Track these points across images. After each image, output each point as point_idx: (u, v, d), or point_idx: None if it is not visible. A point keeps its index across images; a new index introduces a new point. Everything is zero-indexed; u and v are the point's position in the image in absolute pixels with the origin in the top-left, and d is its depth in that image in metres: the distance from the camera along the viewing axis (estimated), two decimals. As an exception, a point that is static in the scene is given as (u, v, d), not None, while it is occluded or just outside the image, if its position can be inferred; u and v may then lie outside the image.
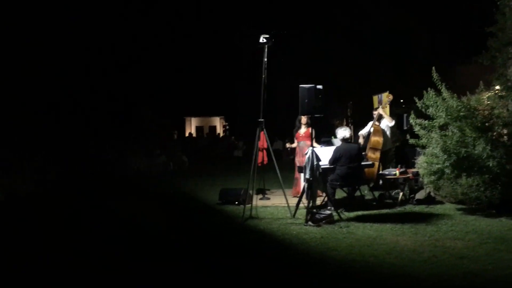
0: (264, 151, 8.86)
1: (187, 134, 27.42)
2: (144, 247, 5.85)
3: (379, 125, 9.06)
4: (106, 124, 17.52)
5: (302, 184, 8.59)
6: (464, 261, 4.87)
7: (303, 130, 9.13)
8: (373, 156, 8.69)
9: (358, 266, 4.86)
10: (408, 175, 8.12)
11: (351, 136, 7.66)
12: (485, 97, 7.39)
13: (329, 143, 10.39)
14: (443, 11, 16.09)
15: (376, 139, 8.78)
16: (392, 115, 11.11)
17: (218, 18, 22.00)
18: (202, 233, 6.54)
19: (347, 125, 21.20)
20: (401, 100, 14.07)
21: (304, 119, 9.03)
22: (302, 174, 8.16)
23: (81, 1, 15.76)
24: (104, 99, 17.53)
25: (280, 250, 5.63)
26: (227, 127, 28.25)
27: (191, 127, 31.77)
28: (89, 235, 6.47)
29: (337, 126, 9.30)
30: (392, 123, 9.20)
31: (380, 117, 9.12)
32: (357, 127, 12.38)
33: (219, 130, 31.51)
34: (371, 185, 8.59)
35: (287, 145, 9.98)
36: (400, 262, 4.90)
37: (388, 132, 9.15)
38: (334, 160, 7.52)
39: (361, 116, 13.31)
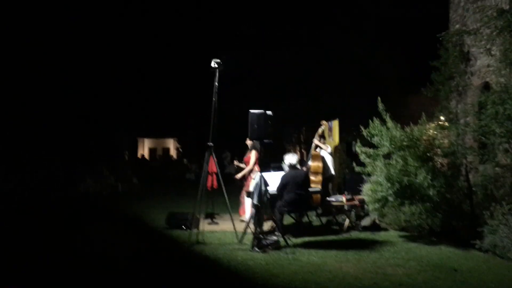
0: (214, 175, 8.79)
1: (139, 156, 26.91)
2: (80, 272, 5.61)
3: (318, 152, 9.54)
4: (54, 143, 17.04)
5: (248, 208, 8.67)
6: (402, 288, 4.96)
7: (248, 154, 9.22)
8: (315, 179, 8.98)
9: (300, 293, 4.85)
10: (355, 202, 8.27)
11: (297, 163, 7.74)
12: (428, 127, 7.69)
13: (279, 168, 10.48)
14: (395, 40, 16.69)
15: (316, 164, 9.22)
16: (342, 141, 11.41)
17: (175, 36, 21.95)
18: (144, 260, 6.30)
19: (299, 150, 21.53)
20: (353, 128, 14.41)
21: (248, 142, 9.16)
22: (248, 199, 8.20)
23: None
24: (52, 117, 17.09)
25: (224, 277, 5.54)
26: (180, 150, 27.98)
27: (144, 148, 31.26)
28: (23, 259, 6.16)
29: (289, 151, 9.49)
30: (328, 149, 9.73)
31: (317, 146, 9.61)
32: (309, 152, 12.59)
33: (172, 152, 31.17)
34: (319, 211, 8.70)
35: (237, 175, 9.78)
36: (342, 290, 4.93)
37: (329, 160, 9.52)
38: (282, 187, 7.55)
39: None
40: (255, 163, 8.83)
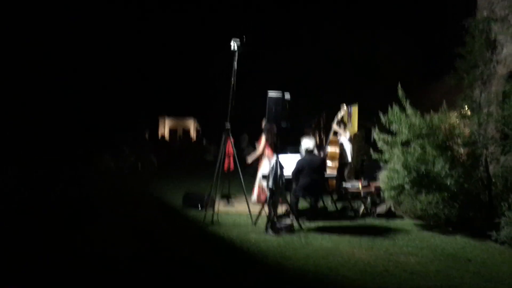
0: (231, 157, 8.83)
1: (159, 137, 27.14)
2: (97, 251, 5.74)
3: (336, 137, 9.57)
4: (76, 122, 17.32)
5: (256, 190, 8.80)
6: (414, 276, 4.94)
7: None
8: (331, 165, 9.03)
9: (310, 276, 4.89)
10: (371, 189, 8.23)
11: (314, 148, 7.73)
12: (449, 116, 7.55)
13: (297, 152, 10.47)
14: (419, 27, 16.36)
15: (333, 150, 9.30)
16: (361, 128, 11.33)
17: (195, 18, 21.93)
18: (158, 239, 6.40)
19: (319, 135, 21.41)
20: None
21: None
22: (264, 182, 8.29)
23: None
24: (75, 96, 17.34)
25: (235, 258, 5.61)
26: (200, 130, 28.11)
27: (165, 128, 31.47)
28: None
29: (307, 134, 9.47)
30: (347, 135, 9.70)
31: (335, 132, 9.64)
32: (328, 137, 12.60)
33: (192, 133, 31.34)
34: (336, 197, 8.71)
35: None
36: (352, 275, 4.94)
37: (347, 146, 9.47)
38: (297, 172, 7.55)
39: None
40: (264, 147, 8.91)
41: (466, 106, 8.80)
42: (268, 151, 9.13)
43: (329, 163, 9.12)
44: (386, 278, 4.86)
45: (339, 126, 9.62)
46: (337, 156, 9.19)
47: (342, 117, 9.80)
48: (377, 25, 16.57)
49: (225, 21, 20.35)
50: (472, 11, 9.70)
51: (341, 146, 9.39)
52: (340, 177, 9.14)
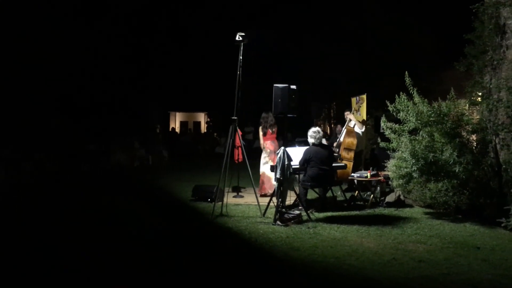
0: (240, 148, 8.86)
1: (170, 129, 27.28)
2: (109, 243, 5.83)
3: (352, 127, 9.29)
4: (86, 116, 17.50)
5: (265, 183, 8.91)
6: (422, 264, 4.93)
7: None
8: (347, 156, 8.88)
9: (317, 267, 4.90)
10: (379, 178, 8.20)
11: (320, 139, 7.69)
12: (458, 103, 7.47)
13: (306, 143, 10.45)
14: (429, 13, 16.17)
15: (350, 140, 9.01)
16: (370, 117, 11.24)
17: (206, 14, 21.93)
18: (167, 231, 6.47)
19: (329, 125, 21.35)
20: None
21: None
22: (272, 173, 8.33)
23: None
24: (86, 90, 17.51)
25: (244, 249, 5.65)
26: (211, 123, 28.15)
27: (176, 122, 31.62)
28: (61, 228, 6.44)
29: (316, 125, 9.44)
30: (362, 129, 9.48)
31: (350, 120, 9.45)
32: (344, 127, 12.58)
33: (203, 126, 31.42)
34: (345, 187, 8.66)
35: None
36: (360, 264, 4.95)
37: (359, 135, 9.36)
38: (304, 162, 7.55)
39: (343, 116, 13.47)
40: (263, 139, 9.04)
41: (479, 92, 8.71)
42: (265, 141, 9.21)
43: (344, 153, 8.96)
44: (394, 267, 4.86)
45: (354, 114, 9.53)
46: (354, 146, 8.96)
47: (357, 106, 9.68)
48: (387, 13, 16.42)
49: (234, 15, 20.37)
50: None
51: (358, 136, 9.28)
52: (355, 166, 9.02)
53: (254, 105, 14.89)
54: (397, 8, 16.68)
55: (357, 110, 9.57)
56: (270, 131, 9.28)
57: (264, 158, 9.23)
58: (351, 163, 8.86)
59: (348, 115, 9.56)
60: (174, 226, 6.76)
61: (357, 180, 8.41)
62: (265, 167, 9.18)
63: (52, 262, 4.97)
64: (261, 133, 9.33)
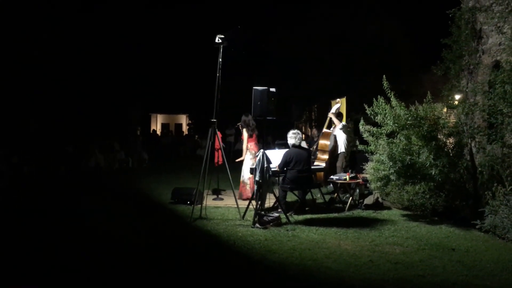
0: (219, 151, 8.84)
1: (151, 131, 27.08)
2: (86, 246, 5.75)
3: (329, 130, 9.60)
4: (68, 119, 17.27)
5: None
6: (398, 266, 4.98)
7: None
8: (321, 157, 9.10)
9: (294, 269, 4.90)
10: (358, 180, 8.26)
11: (300, 141, 7.74)
12: (434, 106, 7.57)
13: (286, 146, 10.49)
14: (408, 17, 16.38)
15: (324, 142, 9.34)
16: (351, 120, 11.35)
17: (187, 15, 21.88)
18: (145, 234, 6.40)
19: (310, 128, 21.44)
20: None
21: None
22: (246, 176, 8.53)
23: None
24: (64, 91, 17.28)
25: (221, 252, 5.62)
26: (192, 126, 28.03)
27: (157, 123, 31.39)
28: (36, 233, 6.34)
29: (297, 127, 9.53)
30: (340, 125, 9.60)
31: (331, 121, 9.64)
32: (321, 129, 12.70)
33: (185, 128, 31.27)
34: (328, 189, 8.76)
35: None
36: (337, 267, 4.97)
37: (341, 136, 9.43)
38: (284, 164, 7.56)
39: (324, 119, 13.56)
40: (247, 141, 9.04)
41: (453, 96, 8.85)
42: (249, 143, 9.21)
43: (319, 154, 9.19)
44: (370, 269, 4.89)
45: (335, 117, 9.63)
46: (327, 148, 9.23)
47: (338, 109, 9.79)
48: (366, 15, 16.60)
49: (214, 15, 20.34)
50: (457, 1, 9.72)
51: (334, 138, 9.42)
52: (331, 168, 9.16)
53: (235, 108, 14.89)
54: (378, 10, 16.88)
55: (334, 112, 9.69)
56: (255, 133, 9.29)
57: (250, 160, 9.19)
58: (326, 166, 9.07)
59: (329, 115, 9.79)
60: (150, 229, 6.69)
61: (336, 183, 8.47)
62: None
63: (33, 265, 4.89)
64: (246, 135, 9.24)
